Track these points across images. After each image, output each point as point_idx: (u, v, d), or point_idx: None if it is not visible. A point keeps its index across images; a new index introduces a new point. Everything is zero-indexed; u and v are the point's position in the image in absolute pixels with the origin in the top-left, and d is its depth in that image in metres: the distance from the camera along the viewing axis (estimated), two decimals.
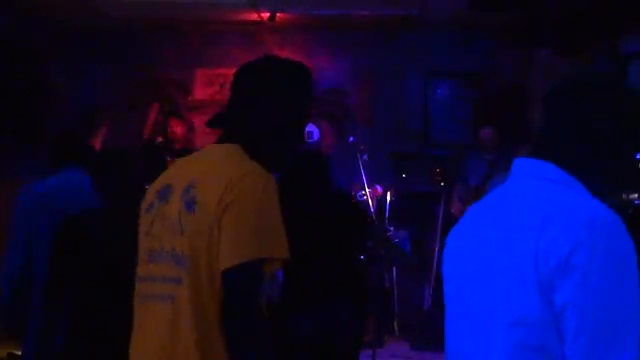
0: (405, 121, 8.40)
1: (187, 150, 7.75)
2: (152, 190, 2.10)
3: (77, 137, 4.16)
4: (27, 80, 7.89)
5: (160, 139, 7.28)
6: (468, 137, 7.70)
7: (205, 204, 1.88)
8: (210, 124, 2.24)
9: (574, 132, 1.50)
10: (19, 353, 4.87)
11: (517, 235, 1.45)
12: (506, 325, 1.44)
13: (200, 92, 8.61)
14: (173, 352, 1.85)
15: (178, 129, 7.57)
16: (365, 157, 6.49)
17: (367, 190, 6.14)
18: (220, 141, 2.14)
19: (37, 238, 3.64)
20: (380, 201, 6.73)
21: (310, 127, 5.52)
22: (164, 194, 2.02)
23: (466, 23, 7.85)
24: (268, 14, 7.48)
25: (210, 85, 8.62)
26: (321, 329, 3.91)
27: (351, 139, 6.65)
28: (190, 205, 1.91)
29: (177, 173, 2.09)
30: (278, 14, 7.45)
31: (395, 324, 6.87)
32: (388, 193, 6.86)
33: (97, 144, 5.52)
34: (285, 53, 8.60)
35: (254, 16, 7.64)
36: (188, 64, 8.56)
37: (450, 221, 6.42)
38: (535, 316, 1.40)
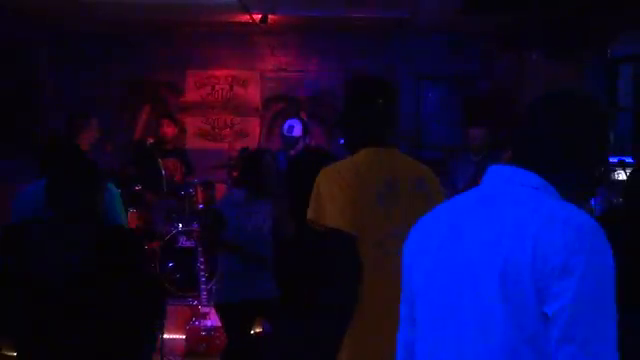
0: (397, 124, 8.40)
1: (178, 151, 7.75)
2: (375, 183, 2.59)
3: (69, 140, 4.15)
4: (19, 82, 7.86)
5: (151, 140, 7.27)
6: (459, 139, 7.72)
7: (438, 193, 2.66)
8: None
9: (557, 144, 1.62)
10: (13, 354, 4.86)
11: (509, 238, 1.51)
12: (501, 319, 1.49)
13: (191, 93, 8.61)
14: None
15: (169, 130, 7.56)
16: None
17: None
18: None
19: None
20: None
21: (292, 122, 5.51)
22: (391, 186, 2.59)
23: (457, 27, 7.87)
24: (260, 16, 7.47)
25: (201, 87, 8.61)
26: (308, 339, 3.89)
27: (342, 141, 6.65)
28: (429, 195, 2.63)
29: (396, 170, 2.67)
30: (270, 16, 7.45)
31: None
32: None
33: (84, 145, 5.48)
34: (277, 55, 8.61)
35: (246, 18, 7.63)
36: (179, 66, 8.56)
37: None
38: (530, 315, 1.47)
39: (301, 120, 5.50)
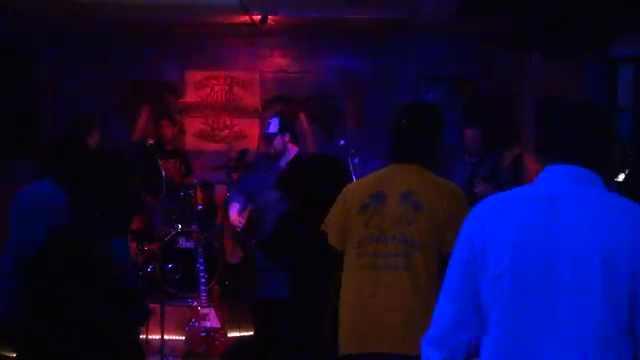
0: None
1: (177, 151, 7.74)
2: (362, 196, 3.11)
3: (73, 142, 4.13)
4: (18, 82, 7.86)
5: (151, 141, 7.27)
6: (459, 141, 7.71)
7: (431, 207, 2.95)
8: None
9: (605, 145, 1.99)
10: (10, 355, 4.85)
11: (607, 228, 1.80)
12: (598, 297, 1.76)
13: (191, 94, 8.60)
14: (411, 300, 2.91)
15: (168, 131, 7.57)
16: (356, 160, 6.47)
17: None
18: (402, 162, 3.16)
19: (31, 240, 3.64)
20: None
21: (271, 119, 5.49)
22: (379, 198, 3.06)
23: (457, 28, 7.87)
24: (260, 17, 7.47)
25: (201, 88, 8.61)
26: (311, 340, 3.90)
27: (342, 142, 6.65)
28: (418, 206, 2.97)
29: (386, 184, 3.11)
30: (270, 17, 7.44)
31: None
32: None
33: (90, 146, 5.49)
34: (276, 56, 8.61)
35: (246, 19, 7.63)
36: (179, 66, 8.55)
37: None
38: (623, 294, 1.76)
39: (280, 118, 5.44)
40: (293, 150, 5.33)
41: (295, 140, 5.41)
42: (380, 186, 3.13)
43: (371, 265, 3.01)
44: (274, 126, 5.32)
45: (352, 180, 4.29)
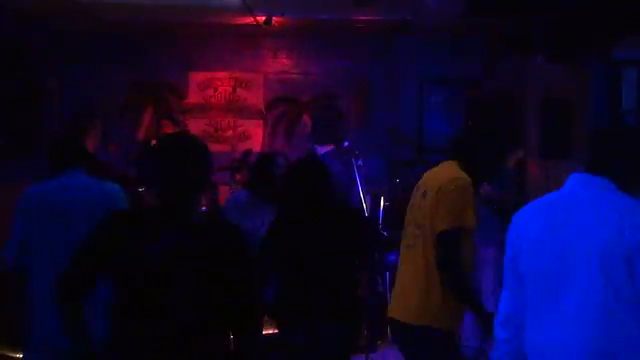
0: (400, 126, 8.41)
1: None
2: (416, 192, 3.54)
3: (77, 141, 4.17)
4: (20, 83, 7.87)
5: (155, 142, 7.27)
6: None
7: (430, 196, 3.34)
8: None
9: (630, 160, 2.35)
10: (14, 355, 4.86)
11: (604, 225, 2.18)
12: (600, 284, 2.14)
13: (194, 95, 8.61)
14: (421, 275, 3.36)
15: (170, 131, 7.56)
16: (360, 162, 6.47)
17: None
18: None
19: (38, 240, 3.65)
20: (374, 206, 6.72)
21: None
22: (423, 195, 3.43)
23: (461, 29, 7.87)
24: (264, 18, 7.47)
25: (204, 88, 8.62)
26: (310, 344, 3.90)
27: (346, 144, 6.65)
28: (424, 195, 3.41)
29: (425, 180, 3.53)
30: (274, 18, 7.45)
31: (388, 329, 6.86)
32: (382, 198, 6.86)
33: (90, 147, 5.48)
34: (280, 57, 8.62)
35: (250, 20, 7.63)
36: (182, 67, 8.56)
37: None
38: (621, 280, 2.13)
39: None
40: None
41: None
42: (425, 184, 3.52)
43: (406, 245, 3.65)
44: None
45: (330, 181, 4.21)
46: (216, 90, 8.61)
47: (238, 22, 7.82)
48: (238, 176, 6.87)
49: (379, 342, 6.64)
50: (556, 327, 2.25)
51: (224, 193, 7.34)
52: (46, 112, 8.24)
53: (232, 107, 8.62)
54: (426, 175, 3.57)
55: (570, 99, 6.96)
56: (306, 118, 8.47)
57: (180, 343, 2.48)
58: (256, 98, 8.62)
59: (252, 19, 7.58)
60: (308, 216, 3.92)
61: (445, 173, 3.42)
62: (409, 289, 3.43)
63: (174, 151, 2.66)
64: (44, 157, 3.92)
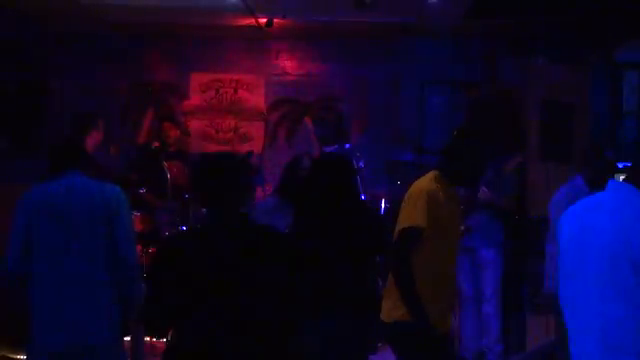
0: (401, 128, 8.41)
1: (181, 153, 7.74)
2: None
3: (77, 143, 4.16)
4: (22, 84, 7.87)
5: (156, 143, 7.27)
6: None
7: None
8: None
9: None
10: (15, 356, 4.86)
11: (615, 230, 2.28)
12: (608, 278, 2.26)
13: (196, 97, 8.61)
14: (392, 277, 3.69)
15: (171, 133, 7.56)
16: (361, 164, 6.48)
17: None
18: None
19: (38, 242, 3.64)
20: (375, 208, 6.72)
21: None
22: None
23: (462, 31, 7.87)
24: (265, 20, 7.47)
25: (206, 90, 8.62)
26: (323, 342, 3.89)
27: (347, 146, 6.66)
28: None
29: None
30: (275, 20, 7.45)
31: None
32: (382, 200, 6.86)
33: (89, 147, 5.48)
34: (281, 59, 8.62)
35: (251, 22, 7.63)
36: (184, 69, 8.57)
37: None
38: (627, 274, 2.24)
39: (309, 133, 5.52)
40: None
41: None
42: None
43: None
44: None
45: (355, 177, 4.31)
46: (217, 92, 8.61)
47: (239, 24, 7.82)
48: None
49: (380, 344, 6.63)
50: (579, 334, 2.40)
51: None
52: (46, 112, 8.24)
53: (233, 109, 8.62)
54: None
55: (572, 101, 6.95)
56: (307, 120, 8.46)
57: (262, 340, 2.76)
58: (257, 100, 8.62)
59: (254, 21, 7.58)
60: (331, 209, 3.94)
61: (416, 184, 3.70)
62: (387, 291, 3.73)
63: (229, 172, 3.06)
64: (44, 158, 3.92)
